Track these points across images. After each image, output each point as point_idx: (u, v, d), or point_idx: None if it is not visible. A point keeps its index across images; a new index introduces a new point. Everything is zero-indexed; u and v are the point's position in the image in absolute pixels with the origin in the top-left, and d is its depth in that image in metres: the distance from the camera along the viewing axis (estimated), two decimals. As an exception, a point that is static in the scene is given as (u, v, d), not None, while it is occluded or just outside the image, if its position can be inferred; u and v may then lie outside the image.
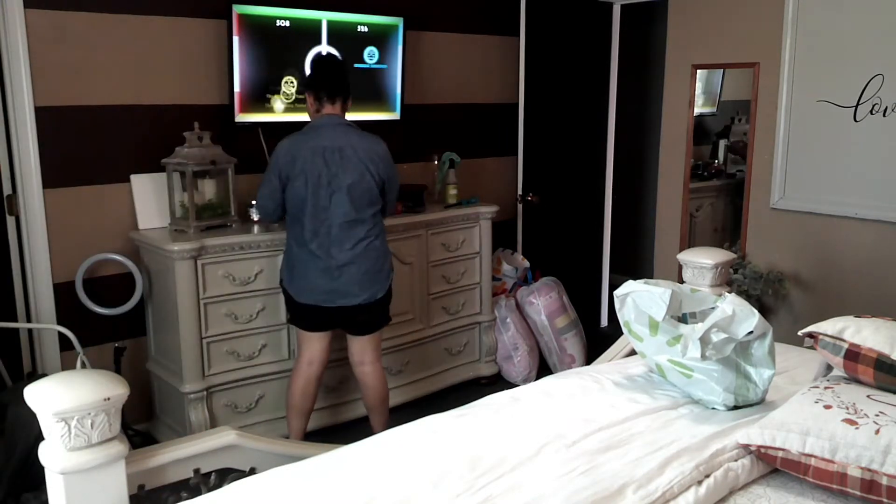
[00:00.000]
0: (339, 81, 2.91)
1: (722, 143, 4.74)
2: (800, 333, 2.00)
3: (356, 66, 3.69)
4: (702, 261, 2.75)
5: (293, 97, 3.47)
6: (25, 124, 2.96)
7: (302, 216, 2.82)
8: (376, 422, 3.14)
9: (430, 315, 3.76)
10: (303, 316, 2.96)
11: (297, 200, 2.81)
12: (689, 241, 4.45)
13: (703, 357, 1.94)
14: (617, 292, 2.18)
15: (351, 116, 3.72)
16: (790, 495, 1.67)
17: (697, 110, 4.42)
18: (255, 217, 3.30)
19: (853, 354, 1.85)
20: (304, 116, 3.61)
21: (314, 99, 2.90)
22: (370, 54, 3.72)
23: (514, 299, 4.18)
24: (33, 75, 2.94)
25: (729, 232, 4.57)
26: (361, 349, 3.06)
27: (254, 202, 3.34)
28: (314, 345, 2.99)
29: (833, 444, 1.63)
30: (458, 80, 4.23)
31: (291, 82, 3.43)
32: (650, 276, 4.60)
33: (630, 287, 2.15)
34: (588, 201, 4.86)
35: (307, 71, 3.04)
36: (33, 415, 1.59)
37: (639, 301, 2.11)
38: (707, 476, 1.66)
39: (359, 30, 3.65)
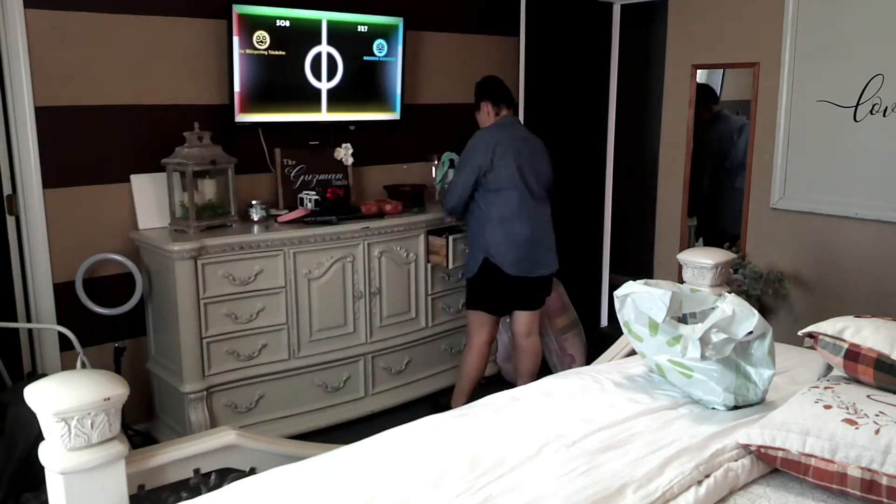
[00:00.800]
0: (507, 92, 3.48)
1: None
2: (800, 333, 2.00)
3: (365, 58, 3.71)
4: (702, 261, 2.75)
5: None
6: (25, 124, 2.96)
7: (509, 193, 3.25)
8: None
9: (431, 315, 3.76)
10: (498, 294, 3.36)
11: (503, 180, 3.24)
12: (689, 241, 4.44)
13: (703, 357, 1.94)
14: (617, 293, 2.18)
15: (351, 116, 3.75)
16: (790, 495, 1.67)
17: (697, 110, 4.41)
18: (255, 217, 3.30)
19: (853, 354, 1.85)
20: (305, 116, 3.63)
21: (493, 105, 3.40)
22: (379, 47, 3.74)
23: (514, 299, 4.18)
24: (33, 75, 2.94)
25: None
26: (532, 322, 3.51)
27: (253, 202, 3.35)
28: (491, 327, 3.44)
29: (833, 444, 1.62)
30: (458, 80, 4.23)
31: (263, 39, 3.39)
32: (650, 276, 4.60)
33: (630, 288, 2.15)
34: (588, 201, 4.86)
35: (479, 86, 3.51)
36: (33, 415, 1.59)
37: (639, 302, 2.11)
38: (707, 476, 1.66)
39: (359, 30, 3.65)
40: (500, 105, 3.42)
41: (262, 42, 3.36)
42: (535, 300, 3.48)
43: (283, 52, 3.44)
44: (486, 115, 3.44)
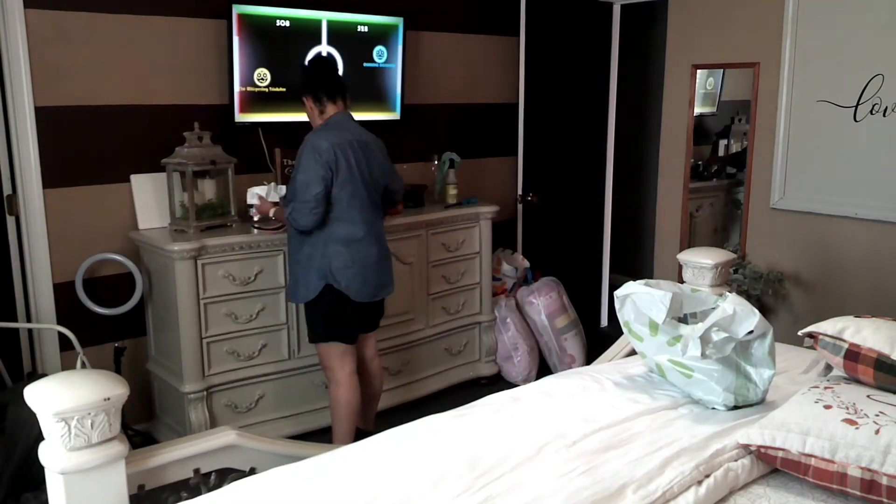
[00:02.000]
0: (337, 81, 2.94)
1: (722, 143, 4.74)
2: (800, 333, 2.00)
3: (365, 65, 3.71)
4: (702, 261, 2.75)
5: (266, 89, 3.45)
6: (25, 124, 2.96)
7: (352, 210, 2.81)
8: (372, 412, 3.21)
9: (430, 315, 3.76)
10: (348, 321, 2.90)
11: (346, 195, 2.79)
12: (689, 241, 4.45)
13: (703, 356, 1.94)
14: (617, 293, 2.18)
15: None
16: (790, 495, 1.67)
17: (697, 110, 4.42)
18: (256, 217, 3.30)
19: (853, 354, 1.85)
20: (304, 116, 3.63)
21: (314, 101, 2.89)
22: (379, 53, 3.74)
23: (514, 299, 4.18)
24: (33, 75, 2.94)
25: (729, 232, 4.58)
26: (373, 343, 3.14)
27: (252, 203, 3.34)
28: (352, 349, 2.95)
29: (833, 444, 1.63)
30: (458, 80, 4.23)
31: (265, 77, 3.42)
32: (650, 276, 4.60)
33: (630, 288, 2.15)
34: (588, 201, 4.86)
35: (301, 74, 3.02)
36: (33, 415, 1.59)
37: (639, 302, 2.11)
38: (707, 476, 1.66)
39: (359, 30, 3.65)
40: (323, 99, 2.87)
41: (262, 80, 3.38)
42: (377, 320, 3.10)
43: (284, 89, 3.45)
44: (311, 111, 2.92)
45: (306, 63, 3.21)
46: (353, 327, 2.94)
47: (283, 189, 3.18)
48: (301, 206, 2.74)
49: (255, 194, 3.19)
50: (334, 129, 2.84)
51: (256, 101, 3.40)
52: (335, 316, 2.87)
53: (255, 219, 3.22)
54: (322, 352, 2.94)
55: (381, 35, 3.73)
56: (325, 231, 2.80)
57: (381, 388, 3.21)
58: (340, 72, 3.48)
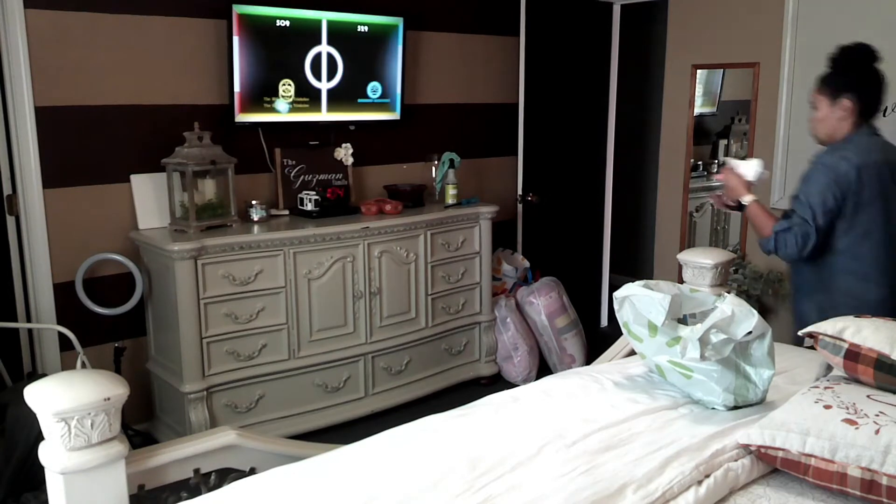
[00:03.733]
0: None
1: (722, 143, 4.74)
2: (800, 333, 2.00)
3: (359, 100, 3.73)
4: (702, 261, 2.74)
5: (291, 98, 3.47)
6: (25, 124, 2.96)
7: (876, 246, 2.39)
8: None
9: (431, 315, 3.76)
10: None
11: (872, 227, 2.37)
12: (688, 241, 4.45)
13: (703, 358, 1.94)
14: (616, 294, 2.18)
15: (351, 116, 3.75)
16: (790, 495, 1.67)
17: (697, 110, 4.42)
18: (255, 217, 3.30)
19: (853, 354, 1.85)
20: (305, 116, 3.62)
21: (860, 114, 2.36)
22: (373, 89, 3.76)
23: (514, 299, 4.18)
24: (33, 75, 2.94)
25: (729, 232, 4.57)
26: None
27: (254, 202, 3.34)
28: None
29: (833, 444, 1.62)
30: (458, 80, 4.23)
31: (289, 84, 3.43)
32: (650, 276, 4.61)
33: (629, 290, 2.14)
34: (588, 201, 4.86)
35: (836, 66, 2.40)
36: (33, 415, 1.59)
37: (638, 304, 2.10)
38: (707, 476, 1.66)
39: (359, 30, 3.66)
40: (871, 115, 2.39)
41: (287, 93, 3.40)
42: None
43: (283, 52, 3.44)
44: (842, 120, 2.37)
45: (849, 53, 2.43)
46: None
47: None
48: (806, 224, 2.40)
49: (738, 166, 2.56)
50: (871, 147, 2.38)
51: (258, 101, 3.41)
52: None
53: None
54: None
55: (380, 35, 3.74)
56: (842, 258, 2.44)
57: None
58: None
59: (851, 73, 2.38)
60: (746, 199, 2.50)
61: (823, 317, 2.01)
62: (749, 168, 2.51)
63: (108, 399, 1.59)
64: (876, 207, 2.37)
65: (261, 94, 3.41)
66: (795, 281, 2.63)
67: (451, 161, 3.91)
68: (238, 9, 3.24)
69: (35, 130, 2.97)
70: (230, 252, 3.07)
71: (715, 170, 2.23)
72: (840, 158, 2.35)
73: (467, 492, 1.60)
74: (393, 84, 3.83)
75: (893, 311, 2.32)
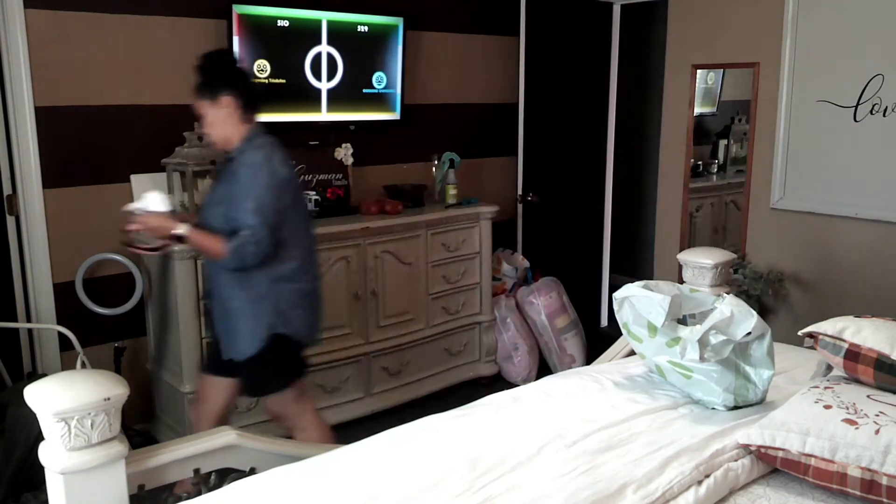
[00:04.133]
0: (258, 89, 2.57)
1: (722, 143, 4.75)
2: (800, 333, 2.00)
3: (365, 90, 3.73)
4: (702, 261, 2.74)
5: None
6: (25, 124, 2.96)
7: (301, 242, 2.43)
8: None
9: (430, 315, 3.75)
10: (299, 364, 2.54)
11: (295, 224, 2.41)
12: (688, 241, 4.45)
13: (702, 359, 1.94)
14: (615, 295, 2.18)
15: (352, 117, 3.75)
16: (790, 495, 1.67)
17: (697, 110, 4.42)
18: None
19: (853, 354, 1.85)
20: (305, 116, 3.62)
21: (244, 108, 2.40)
22: (378, 79, 3.76)
23: (514, 299, 4.18)
24: (33, 75, 2.94)
25: (729, 232, 4.57)
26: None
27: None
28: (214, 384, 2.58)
29: (833, 444, 1.62)
30: (458, 80, 4.23)
31: (264, 68, 3.40)
32: (650, 276, 4.60)
33: (628, 291, 2.14)
34: (588, 201, 4.86)
35: (219, 66, 2.51)
36: (33, 415, 1.59)
37: (637, 305, 2.10)
38: (707, 476, 1.66)
39: (359, 30, 3.65)
40: (258, 108, 2.45)
41: (262, 70, 3.38)
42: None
43: (284, 80, 3.46)
44: (229, 116, 2.38)
45: (217, 54, 2.68)
46: (302, 366, 2.59)
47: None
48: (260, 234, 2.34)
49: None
50: (276, 144, 2.41)
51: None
52: (292, 354, 2.52)
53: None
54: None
55: (380, 35, 3.73)
56: (277, 260, 2.39)
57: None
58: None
59: (222, 73, 2.47)
60: (180, 229, 2.33)
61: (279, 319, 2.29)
62: (154, 202, 2.39)
63: (108, 399, 1.59)
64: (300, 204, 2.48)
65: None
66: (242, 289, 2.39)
67: (451, 161, 3.91)
68: (238, 9, 3.24)
69: (35, 130, 2.97)
70: (230, 252, 3.06)
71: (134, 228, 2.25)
72: (273, 161, 2.32)
73: (467, 492, 1.60)
74: (393, 84, 3.83)
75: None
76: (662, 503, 1.57)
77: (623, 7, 4.69)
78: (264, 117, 3.42)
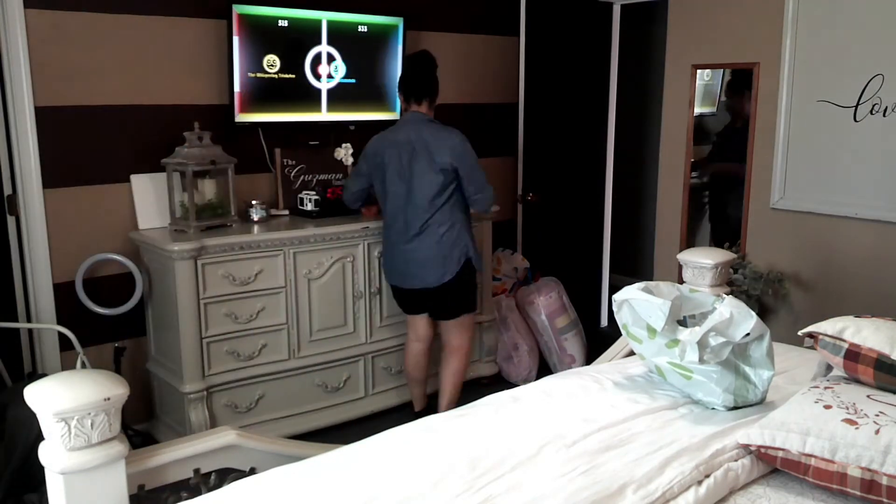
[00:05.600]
0: (418, 83, 3.16)
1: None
2: (800, 333, 2.00)
3: (364, 90, 3.74)
4: (702, 261, 2.75)
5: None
6: (25, 124, 2.96)
7: (384, 205, 3.19)
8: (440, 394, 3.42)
9: (430, 315, 3.75)
10: (395, 297, 3.36)
11: (380, 191, 3.18)
12: (689, 241, 4.45)
13: (701, 361, 1.94)
14: (615, 297, 2.18)
15: (351, 116, 3.75)
16: (790, 495, 1.67)
17: (697, 110, 4.42)
18: (255, 217, 3.31)
19: (853, 354, 1.85)
20: (305, 116, 3.62)
21: (402, 99, 3.21)
22: (378, 79, 3.78)
23: (514, 299, 4.18)
24: (33, 75, 2.94)
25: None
26: (446, 332, 3.34)
27: (254, 202, 3.35)
28: (414, 323, 3.36)
29: (833, 444, 1.62)
30: (458, 79, 4.23)
31: (274, 63, 3.42)
32: (650, 277, 4.60)
33: (628, 293, 2.14)
34: (588, 201, 4.86)
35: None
36: (33, 415, 1.59)
37: (637, 308, 2.10)
38: (707, 476, 1.66)
39: (359, 30, 3.65)
40: (410, 99, 3.17)
41: (272, 66, 3.39)
42: (434, 310, 3.29)
43: (293, 76, 3.48)
44: (401, 106, 3.25)
45: (404, 59, 3.37)
46: (398, 299, 3.37)
47: None
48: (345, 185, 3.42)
49: None
50: (391, 129, 3.19)
51: (262, 92, 3.41)
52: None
53: None
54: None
55: (380, 35, 3.73)
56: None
57: (446, 372, 3.35)
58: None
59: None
60: None
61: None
62: None
63: (108, 399, 1.59)
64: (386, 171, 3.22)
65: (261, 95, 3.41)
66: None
67: (451, 161, 3.91)
68: (238, 9, 3.24)
69: (35, 130, 2.97)
70: (230, 252, 3.07)
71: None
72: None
73: (467, 492, 1.60)
74: (393, 84, 3.83)
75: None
76: (662, 503, 1.57)
77: (623, 7, 4.69)
78: (264, 117, 3.45)
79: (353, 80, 3.69)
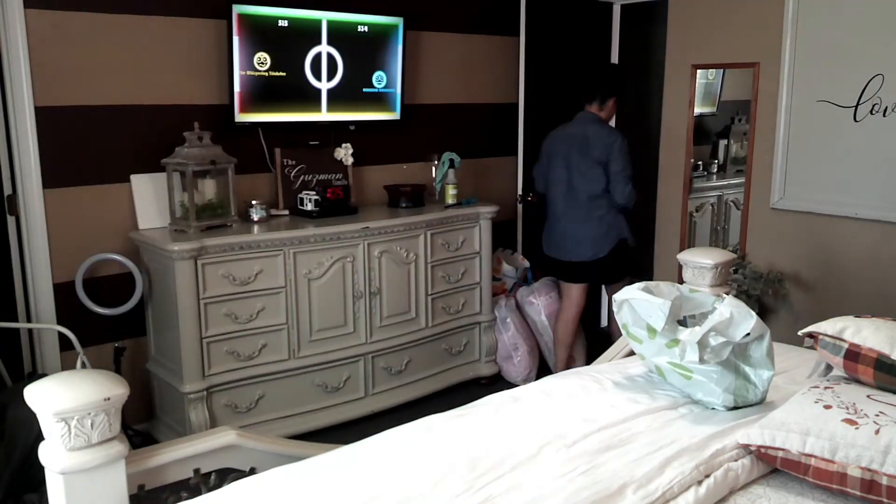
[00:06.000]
0: (588, 86, 3.76)
1: (722, 143, 4.74)
2: (800, 333, 2.00)
3: (364, 90, 3.74)
4: (702, 261, 2.74)
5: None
6: (25, 124, 2.96)
7: (549, 190, 3.79)
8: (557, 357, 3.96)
9: (431, 315, 3.76)
10: (550, 266, 3.95)
11: (549, 177, 3.76)
12: (688, 241, 4.45)
13: (701, 361, 1.94)
14: (615, 297, 2.18)
15: (351, 116, 3.75)
16: (790, 495, 1.67)
17: (697, 110, 4.42)
18: (255, 217, 3.31)
19: (853, 354, 1.85)
20: (305, 116, 3.62)
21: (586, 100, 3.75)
22: (378, 79, 3.76)
23: (514, 299, 4.18)
24: (33, 75, 2.94)
25: (729, 232, 4.57)
26: (612, 292, 3.60)
27: (254, 202, 3.35)
28: (569, 291, 3.86)
29: (833, 444, 1.62)
30: (458, 80, 4.23)
31: (264, 60, 3.41)
32: (650, 277, 4.60)
33: (628, 294, 2.14)
34: (588, 201, 4.85)
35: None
36: (33, 415, 1.59)
37: (637, 308, 2.10)
38: (707, 476, 1.66)
39: (359, 30, 3.65)
40: (583, 99, 3.74)
41: (262, 63, 3.38)
42: (589, 277, 3.84)
43: (284, 73, 3.46)
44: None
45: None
46: (552, 269, 3.98)
47: None
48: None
49: None
50: (564, 125, 3.77)
51: (257, 92, 3.40)
52: (545, 257, 3.97)
53: None
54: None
55: (380, 35, 3.73)
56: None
57: (559, 337, 3.89)
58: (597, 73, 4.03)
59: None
60: None
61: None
62: None
63: (108, 399, 1.59)
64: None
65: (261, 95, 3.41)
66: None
67: (451, 161, 3.91)
68: (238, 9, 3.24)
69: (35, 130, 2.97)
70: (230, 252, 3.07)
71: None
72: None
73: (467, 492, 1.60)
74: (393, 84, 3.83)
75: None
76: (662, 503, 1.57)
77: (623, 7, 4.69)
78: (264, 117, 3.45)
79: (353, 81, 3.69)
